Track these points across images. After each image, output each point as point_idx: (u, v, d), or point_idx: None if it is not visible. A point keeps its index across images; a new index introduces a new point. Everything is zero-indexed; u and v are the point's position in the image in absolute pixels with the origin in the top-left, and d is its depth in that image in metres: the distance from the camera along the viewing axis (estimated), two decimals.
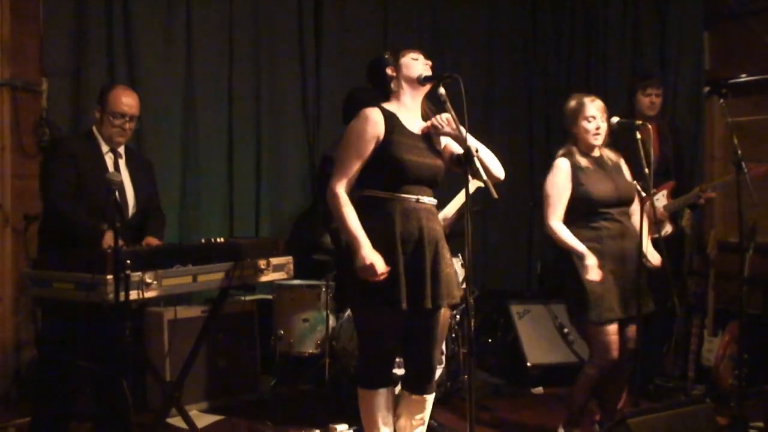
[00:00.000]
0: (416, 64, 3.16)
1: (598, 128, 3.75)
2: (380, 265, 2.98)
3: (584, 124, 3.76)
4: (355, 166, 3.08)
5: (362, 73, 3.39)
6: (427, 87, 3.17)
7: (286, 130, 5.51)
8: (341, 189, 3.07)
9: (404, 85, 3.17)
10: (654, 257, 3.78)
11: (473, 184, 4.20)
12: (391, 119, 3.12)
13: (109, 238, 3.31)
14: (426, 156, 3.13)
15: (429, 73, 3.16)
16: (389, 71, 3.18)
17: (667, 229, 4.73)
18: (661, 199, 4.69)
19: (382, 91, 3.22)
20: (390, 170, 3.08)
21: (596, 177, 3.76)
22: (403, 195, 3.09)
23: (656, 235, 3.85)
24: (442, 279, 3.12)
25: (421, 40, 5.92)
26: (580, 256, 3.65)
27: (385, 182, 3.09)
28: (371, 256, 2.98)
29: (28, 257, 4.36)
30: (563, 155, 3.81)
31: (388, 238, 3.05)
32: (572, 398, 3.88)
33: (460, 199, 4.13)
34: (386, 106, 3.18)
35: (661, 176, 4.66)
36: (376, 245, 3.03)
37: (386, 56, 3.20)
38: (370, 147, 3.07)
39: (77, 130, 4.57)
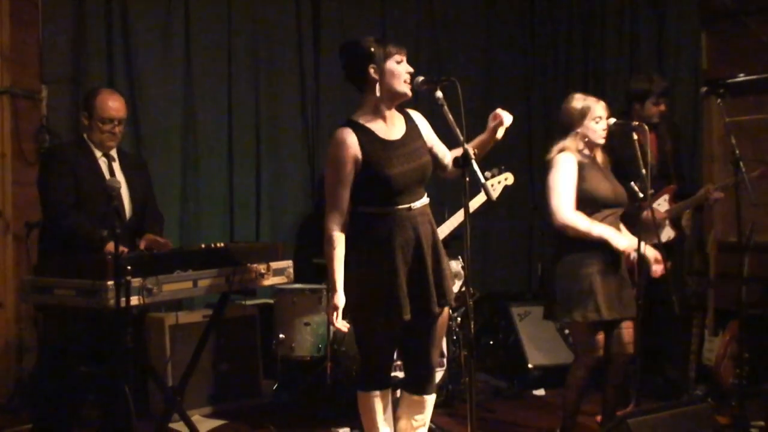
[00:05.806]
0: (400, 75, 3.05)
1: (604, 129, 3.75)
2: (340, 322, 3.06)
3: (592, 125, 3.71)
4: (344, 193, 3.07)
5: None
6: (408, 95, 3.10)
7: (286, 133, 5.53)
8: (335, 229, 3.07)
9: (384, 96, 3.07)
10: (656, 267, 3.71)
11: (479, 199, 4.25)
12: (364, 136, 3.06)
13: (111, 246, 3.32)
14: (409, 161, 3.09)
15: (407, 90, 3.07)
16: (372, 72, 3.05)
17: (669, 233, 4.64)
18: (662, 204, 4.60)
19: (356, 79, 3.11)
20: (377, 187, 3.06)
21: (596, 176, 3.73)
22: (396, 207, 3.07)
23: (656, 242, 3.77)
24: (445, 278, 3.15)
25: (419, 40, 5.93)
26: (610, 240, 3.58)
27: (377, 198, 3.08)
28: (338, 304, 3.05)
29: (29, 264, 4.37)
30: (563, 151, 3.75)
31: (386, 252, 3.06)
32: (564, 401, 3.88)
33: (460, 216, 4.15)
34: (358, 119, 3.11)
35: (661, 180, 4.58)
36: (375, 261, 3.06)
37: (372, 49, 3.03)
38: (351, 170, 3.05)
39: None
